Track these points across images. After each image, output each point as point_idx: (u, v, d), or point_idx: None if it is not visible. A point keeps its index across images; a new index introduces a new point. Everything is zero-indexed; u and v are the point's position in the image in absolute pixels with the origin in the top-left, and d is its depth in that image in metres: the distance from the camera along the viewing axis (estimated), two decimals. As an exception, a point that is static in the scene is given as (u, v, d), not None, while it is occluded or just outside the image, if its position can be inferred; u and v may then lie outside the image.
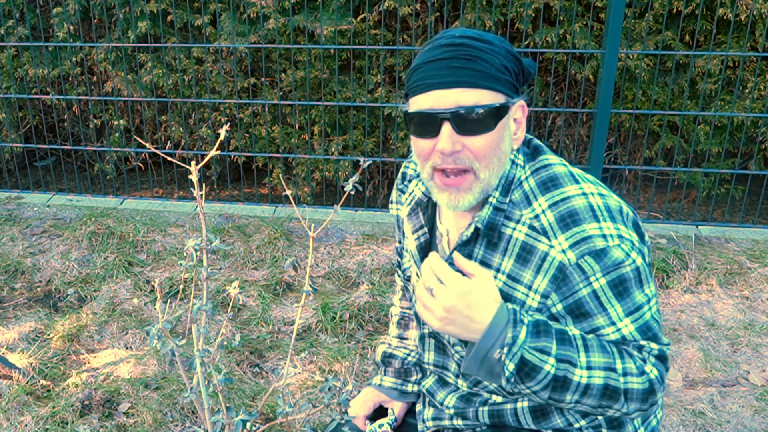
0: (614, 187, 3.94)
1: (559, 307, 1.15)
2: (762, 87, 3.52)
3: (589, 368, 1.10)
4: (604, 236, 1.12)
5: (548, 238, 1.15)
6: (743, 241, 3.39)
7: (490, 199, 1.19)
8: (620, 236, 1.13)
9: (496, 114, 1.14)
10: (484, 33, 1.17)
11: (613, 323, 1.13)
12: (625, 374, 1.11)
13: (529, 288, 1.16)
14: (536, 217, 1.16)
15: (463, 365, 1.13)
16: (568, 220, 1.14)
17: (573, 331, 1.14)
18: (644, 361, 1.13)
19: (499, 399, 1.31)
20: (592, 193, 1.17)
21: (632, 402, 1.12)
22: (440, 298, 1.10)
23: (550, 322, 1.13)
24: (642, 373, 1.11)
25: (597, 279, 1.12)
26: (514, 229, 1.18)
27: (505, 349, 1.08)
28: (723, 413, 2.36)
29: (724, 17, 3.43)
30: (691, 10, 3.45)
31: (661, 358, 1.14)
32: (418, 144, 1.18)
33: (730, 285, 3.08)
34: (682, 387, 2.49)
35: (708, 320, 2.86)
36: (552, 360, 1.09)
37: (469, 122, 1.12)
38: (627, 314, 1.13)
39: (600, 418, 1.30)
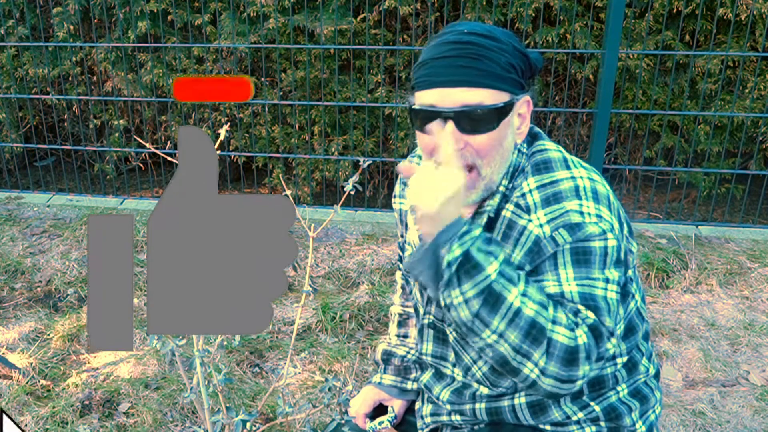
0: (614, 187, 3.94)
1: (528, 268, 1.16)
2: (762, 87, 3.52)
3: (524, 295, 1.05)
4: (581, 213, 1.13)
5: (529, 214, 1.17)
6: (743, 241, 3.39)
7: (500, 188, 1.21)
8: (599, 216, 1.14)
9: (500, 113, 1.15)
10: (492, 28, 1.17)
11: (559, 282, 1.12)
12: (554, 322, 1.05)
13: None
14: (522, 195, 1.19)
15: (412, 259, 1.09)
16: (551, 199, 1.16)
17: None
18: (576, 324, 1.08)
19: (485, 390, 1.31)
20: (581, 177, 1.19)
21: (552, 359, 1.04)
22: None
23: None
24: (572, 329, 1.06)
25: (564, 247, 1.12)
26: (506, 208, 1.21)
27: (456, 237, 1.04)
28: (723, 413, 2.36)
29: (724, 17, 3.42)
30: (691, 10, 3.45)
31: (595, 332, 1.08)
32: (422, 139, 1.19)
33: (730, 285, 3.08)
34: (682, 387, 2.49)
35: (708, 320, 2.86)
36: (496, 265, 1.05)
37: (472, 121, 1.14)
38: (576, 279, 1.11)
39: (597, 409, 1.30)
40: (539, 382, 1.06)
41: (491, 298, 1.04)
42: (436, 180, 1.07)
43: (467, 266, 1.04)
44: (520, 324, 1.04)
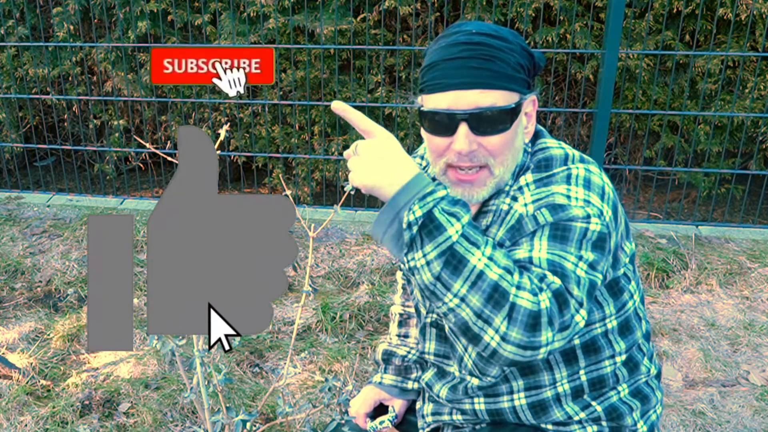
0: (614, 187, 3.93)
1: (508, 245, 1.16)
2: (762, 87, 3.52)
3: (489, 259, 1.02)
4: (568, 197, 1.13)
5: (518, 201, 1.18)
6: (743, 241, 3.39)
7: (506, 188, 1.22)
8: (587, 201, 1.13)
9: (512, 113, 1.16)
10: (499, 28, 1.18)
11: (531, 249, 1.10)
12: (518, 286, 1.02)
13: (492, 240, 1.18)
14: (519, 188, 1.20)
15: (372, 224, 1.07)
16: (542, 187, 1.17)
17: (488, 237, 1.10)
18: (540, 289, 1.04)
19: (476, 381, 1.31)
20: (577, 167, 1.19)
21: (515, 324, 1.01)
22: (371, 143, 1.06)
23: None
24: (535, 294, 1.03)
25: (545, 223, 1.12)
26: (504, 202, 1.21)
27: (417, 198, 1.01)
28: (723, 413, 2.36)
29: (724, 17, 3.42)
30: (691, 10, 3.45)
31: (559, 299, 1.04)
32: (432, 141, 1.19)
33: (730, 285, 3.08)
34: (682, 387, 2.49)
35: (708, 320, 2.86)
36: (458, 227, 1.02)
37: (486, 123, 1.14)
38: (549, 249, 1.09)
39: (599, 409, 1.30)
40: (500, 350, 1.03)
41: (453, 260, 1.01)
42: (372, 151, 1.05)
43: (429, 227, 1.01)
44: (482, 287, 1.01)
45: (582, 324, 1.07)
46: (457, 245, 1.01)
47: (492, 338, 1.02)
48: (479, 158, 1.16)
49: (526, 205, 1.15)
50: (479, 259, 1.01)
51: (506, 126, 1.15)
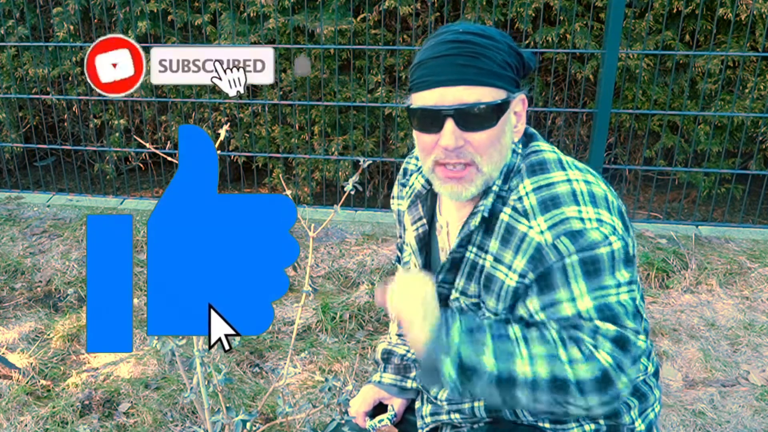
0: (614, 187, 3.94)
1: (532, 276, 1.17)
2: (762, 87, 3.52)
3: (531, 358, 1.09)
4: (582, 219, 1.13)
5: (528, 219, 1.17)
6: (743, 241, 3.39)
7: (494, 188, 1.22)
8: (599, 220, 1.13)
9: (498, 110, 1.16)
10: (487, 28, 1.19)
11: (573, 299, 1.12)
12: (570, 362, 1.08)
13: (509, 268, 1.18)
14: (519, 198, 1.19)
15: (421, 381, 1.23)
16: (549, 203, 1.16)
17: (513, 327, 1.15)
18: (595, 347, 1.09)
19: None
20: (576, 179, 1.19)
21: (588, 394, 1.08)
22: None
23: (485, 321, 1.18)
24: (589, 359, 1.08)
25: (570, 257, 1.12)
26: (503, 211, 1.21)
27: (443, 353, 1.11)
28: (723, 413, 2.36)
29: (724, 17, 3.42)
30: (691, 10, 3.45)
31: (619, 342, 1.09)
32: (421, 138, 1.20)
33: (730, 285, 3.08)
34: (682, 387, 2.49)
35: (708, 320, 2.86)
36: (490, 359, 1.10)
37: (471, 119, 1.15)
38: (589, 292, 1.11)
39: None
40: (591, 414, 1.11)
41: (505, 383, 1.10)
42: (409, 285, 1.17)
43: (467, 373, 1.10)
44: (542, 386, 1.08)
45: (644, 345, 1.14)
46: (498, 371, 1.10)
47: (578, 410, 1.11)
48: (466, 155, 1.17)
49: (542, 233, 1.14)
50: (523, 367, 1.09)
51: (492, 123, 1.16)
